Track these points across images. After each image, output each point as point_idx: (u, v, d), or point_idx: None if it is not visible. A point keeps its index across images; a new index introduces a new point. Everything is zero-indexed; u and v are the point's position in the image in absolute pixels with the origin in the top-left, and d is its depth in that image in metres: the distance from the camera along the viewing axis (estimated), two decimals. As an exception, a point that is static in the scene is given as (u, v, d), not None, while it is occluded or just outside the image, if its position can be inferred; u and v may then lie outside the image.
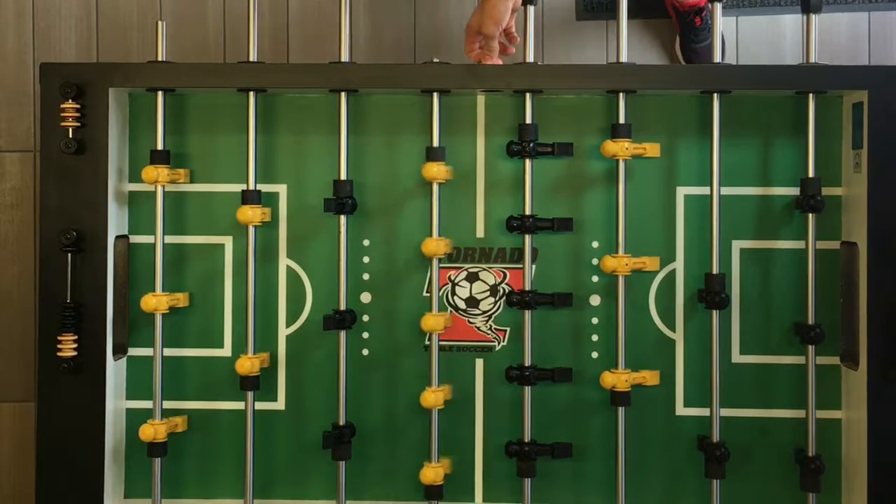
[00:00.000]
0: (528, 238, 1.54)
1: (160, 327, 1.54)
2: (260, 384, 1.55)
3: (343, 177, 1.55)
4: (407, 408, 1.58)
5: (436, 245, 1.52)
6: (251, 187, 1.54)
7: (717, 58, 1.54)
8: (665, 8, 1.85)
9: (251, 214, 1.53)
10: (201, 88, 1.57)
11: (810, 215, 1.52)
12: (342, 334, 1.54)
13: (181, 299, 1.57)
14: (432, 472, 1.51)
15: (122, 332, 1.57)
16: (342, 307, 1.54)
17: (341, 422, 1.54)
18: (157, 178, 1.52)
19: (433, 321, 1.51)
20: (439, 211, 1.54)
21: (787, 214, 1.56)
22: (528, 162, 1.53)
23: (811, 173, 1.52)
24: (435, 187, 1.54)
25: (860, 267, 1.50)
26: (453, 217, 1.58)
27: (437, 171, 1.52)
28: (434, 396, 1.51)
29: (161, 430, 1.52)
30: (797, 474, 1.52)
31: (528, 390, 1.53)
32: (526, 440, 1.53)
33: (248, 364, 1.52)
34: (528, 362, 1.53)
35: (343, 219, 1.55)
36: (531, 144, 1.52)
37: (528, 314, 1.53)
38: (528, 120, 1.53)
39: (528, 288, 1.54)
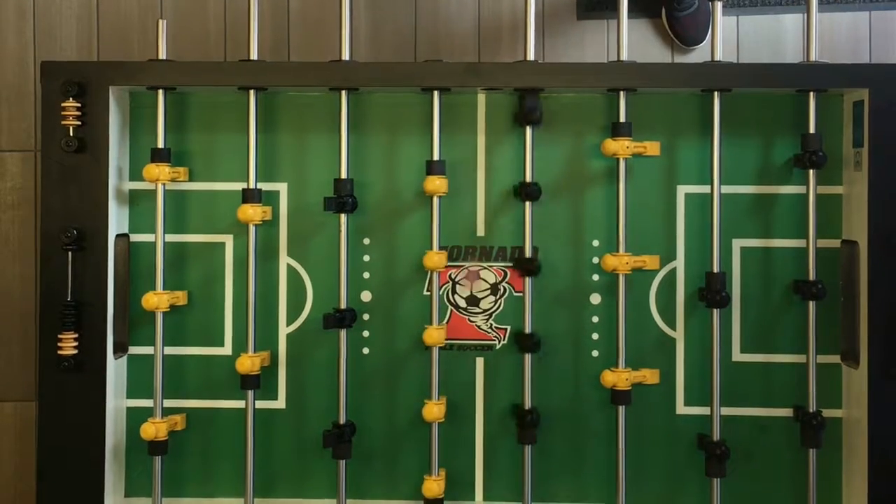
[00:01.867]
0: (528, 205, 1.54)
1: (161, 325, 1.54)
2: (260, 383, 1.54)
3: (343, 175, 1.55)
4: (408, 407, 1.58)
5: (437, 258, 1.52)
6: (252, 186, 1.54)
7: (719, 56, 1.53)
8: None
9: (252, 213, 1.53)
10: (202, 87, 1.57)
11: (811, 172, 1.51)
12: (342, 333, 1.54)
13: (181, 297, 1.57)
14: (435, 485, 1.52)
15: (122, 330, 1.56)
16: (343, 306, 1.54)
17: (342, 421, 1.54)
18: (159, 176, 1.52)
19: (436, 335, 1.52)
20: (440, 212, 1.55)
21: (788, 213, 1.56)
22: (528, 129, 1.53)
23: (812, 129, 1.52)
24: (435, 200, 1.54)
25: (861, 265, 1.50)
26: (454, 216, 1.57)
27: (438, 184, 1.52)
28: (437, 409, 1.52)
29: (162, 429, 1.52)
30: (797, 473, 1.52)
31: (528, 357, 1.53)
32: (527, 407, 1.53)
33: (249, 362, 1.52)
34: (528, 328, 1.53)
35: (343, 217, 1.55)
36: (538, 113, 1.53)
37: (528, 289, 1.53)
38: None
39: (528, 255, 1.54)
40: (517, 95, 1.56)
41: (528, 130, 1.54)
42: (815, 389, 1.51)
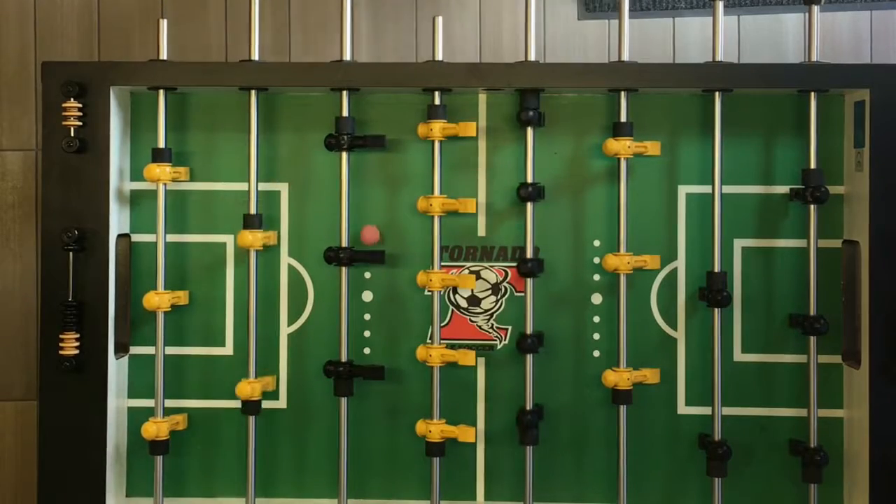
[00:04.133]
0: (529, 206, 1.54)
1: (162, 325, 1.54)
2: (261, 408, 1.55)
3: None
4: (408, 407, 1.58)
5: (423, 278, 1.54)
6: (252, 211, 1.54)
7: (721, 56, 1.53)
8: None
9: (251, 239, 1.53)
10: (203, 87, 1.57)
11: (812, 207, 1.52)
12: (344, 334, 1.55)
13: (182, 297, 1.57)
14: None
15: (123, 330, 1.57)
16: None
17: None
18: (160, 176, 1.52)
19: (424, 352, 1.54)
20: (441, 223, 1.55)
21: (789, 212, 1.56)
22: (529, 130, 1.53)
23: (813, 164, 1.52)
24: (436, 145, 1.53)
25: (862, 265, 1.50)
26: (455, 215, 1.57)
27: (438, 128, 1.52)
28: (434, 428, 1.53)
29: (163, 428, 1.52)
30: (798, 472, 1.52)
31: (529, 358, 1.53)
32: (528, 408, 1.53)
33: (248, 389, 1.52)
34: (529, 329, 1.53)
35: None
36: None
37: (530, 290, 1.54)
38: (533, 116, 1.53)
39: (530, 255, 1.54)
40: (518, 95, 1.55)
41: (530, 131, 1.54)
42: (817, 389, 1.51)
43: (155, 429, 1.51)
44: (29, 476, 1.80)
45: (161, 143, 1.55)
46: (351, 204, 1.56)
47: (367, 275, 1.59)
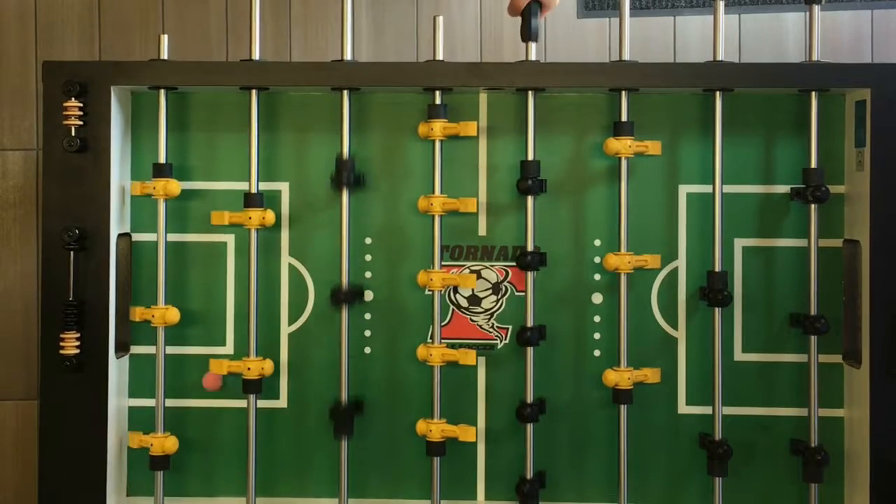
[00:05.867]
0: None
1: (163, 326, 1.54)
2: (262, 387, 1.54)
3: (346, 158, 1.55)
4: (409, 406, 1.58)
5: (424, 277, 1.54)
6: (254, 190, 1.54)
7: (721, 55, 1.53)
8: None
9: (252, 218, 1.53)
10: (203, 87, 1.57)
11: (813, 206, 1.52)
12: (344, 333, 1.55)
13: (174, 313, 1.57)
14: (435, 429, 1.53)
15: (124, 330, 1.57)
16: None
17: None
18: (166, 190, 1.53)
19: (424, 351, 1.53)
20: (441, 222, 1.55)
21: (790, 212, 1.56)
22: (530, 127, 1.54)
23: (814, 164, 1.52)
24: (437, 144, 1.53)
25: (863, 265, 1.50)
26: (455, 215, 1.57)
27: (439, 128, 1.52)
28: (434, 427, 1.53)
29: (167, 444, 1.53)
30: (799, 472, 1.52)
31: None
32: (528, 476, 1.53)
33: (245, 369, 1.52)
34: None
35: (345, 197, 1.54)
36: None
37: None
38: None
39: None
40: (519, 96, 1.56)
41: (530, 129, 1.54)
42: (817, 389, 1.51)
43: (159, 444, 1.52)
44: (29, 476, 1.80)
45: (162, 143, 1.55)
46: (352, 203, 1.56)
47: (368, 274, 1.59)
